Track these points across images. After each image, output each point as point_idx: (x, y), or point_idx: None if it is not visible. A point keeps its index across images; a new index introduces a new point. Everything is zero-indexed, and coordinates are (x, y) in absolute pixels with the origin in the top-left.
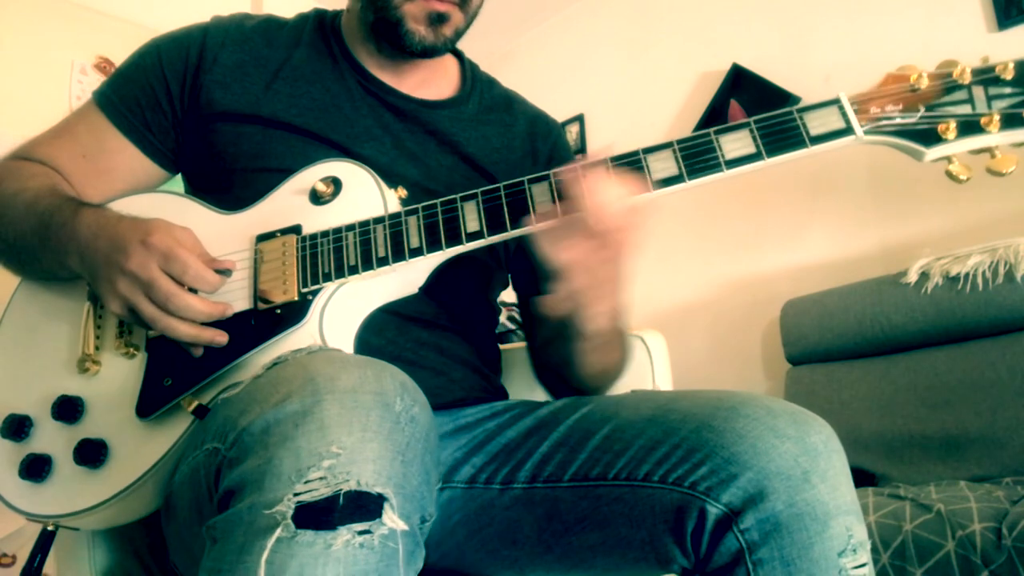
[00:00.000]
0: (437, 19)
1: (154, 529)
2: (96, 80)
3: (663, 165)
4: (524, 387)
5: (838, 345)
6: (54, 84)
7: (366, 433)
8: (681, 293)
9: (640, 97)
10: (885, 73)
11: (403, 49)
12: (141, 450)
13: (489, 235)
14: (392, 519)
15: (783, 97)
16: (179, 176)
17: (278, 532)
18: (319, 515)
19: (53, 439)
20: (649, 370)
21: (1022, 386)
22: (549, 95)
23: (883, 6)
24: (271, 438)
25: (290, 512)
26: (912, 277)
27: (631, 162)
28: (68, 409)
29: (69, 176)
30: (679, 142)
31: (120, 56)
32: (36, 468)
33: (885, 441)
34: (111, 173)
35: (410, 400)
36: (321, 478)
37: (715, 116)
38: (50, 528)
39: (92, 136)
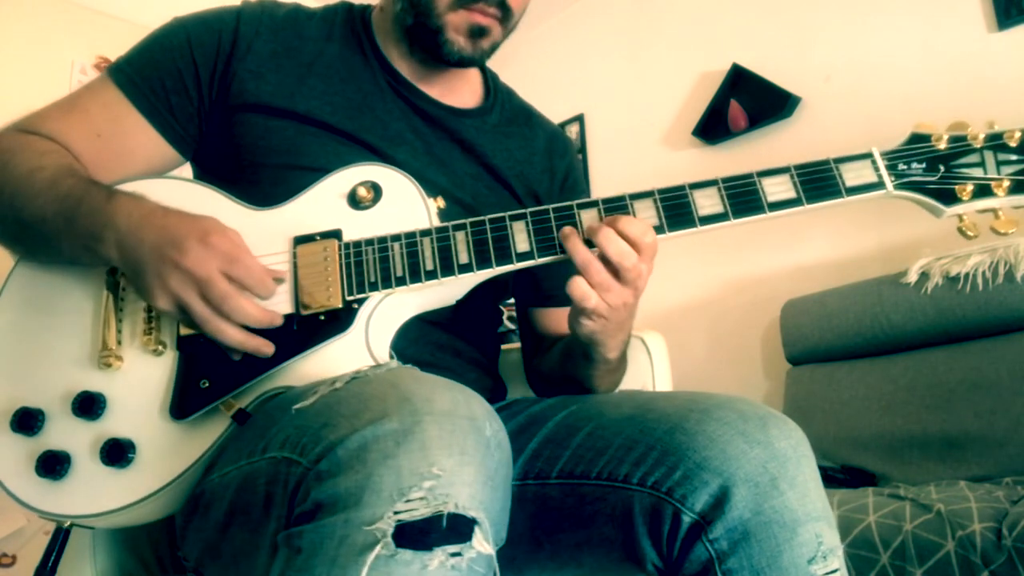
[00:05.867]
0: (478, 32)
1: (155, 527)
2: None
3: (709, 203)
4: (521, 385)
5: (838, 345)
6: (54, 84)
7: (464, 456)
8: (681, 293)
9: (640, 97)
10: (909, 131)
11: (439, 57)
12: (173, 452)
13: (540, 256)
14: (481, 543)
15: (783, 97)
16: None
17: (378, 549)
18: (418, 535)
19: (72, 436)
20: (649, 370)
21: (1022, 386)
22: (549, 95)
23: (883, 6)
24: (370, 455)
25: (390, 530)
26: (912, 277)
27: (678, 196)
28: (89, 405)
29: (80, 155)
30: (724, 180)
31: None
32: (53, 465)
33: (885, 441)
34: (126, 156)
35: (496, 426)
36: (422, 498)
37: (715, 116)
38: (66, 526)
39: (108, 115)
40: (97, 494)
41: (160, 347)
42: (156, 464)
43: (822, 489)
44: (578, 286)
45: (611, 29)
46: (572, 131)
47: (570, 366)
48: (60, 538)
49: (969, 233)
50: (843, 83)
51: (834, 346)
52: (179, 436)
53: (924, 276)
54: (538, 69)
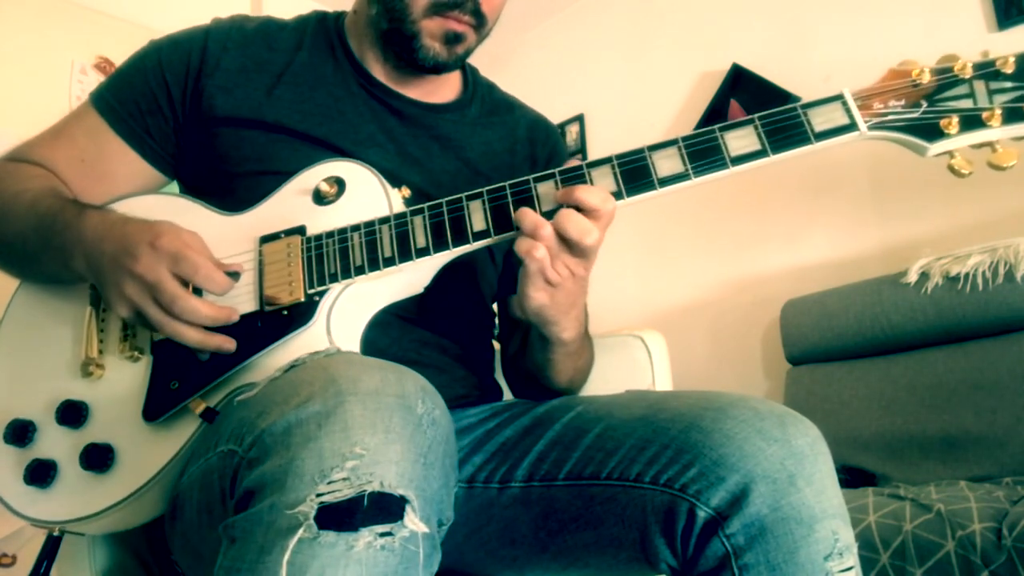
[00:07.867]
0: (454, 38)
1: (154, 529)
2: (96, 80)
3: (668, 163)
4: None
5: (838, 345)
6: (54, 84)
7: (389, 435)
8: (681, 293)
9: (640, 97)
10: (887, 68)
11: (413, 63)
12: (148, 454)
13: (496, 234)
14: (413, 522)
15: (783, 97)
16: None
17: (300, 533)
18: (342, 516)
19: (58, 444)
20: (649, 370)
21: (1022, 386)
22: (549, 95)
23: (883, 6)
24: (293, 438)
25: (313, 512)
26: (912, 277)
27: (636, 160)
28: (72, 414)
29: (67, 180)
30: (684, 139)
31: (120, 56)
32: (41, 473)
33: (885, 441)
34: (110, 178)
35: (431, 403)
36: (344, 479)
37: (715, 116)
38: (56, 533)
39: (90, 140)
40: (79, 499)
41: (136, 353)
42: (133, 467)
43: (838, 487)
44: (524, 239)
45: (611, 29)
46: (572, 131)
47: (530, 353)
48: (51, 545)
49: (963, 171)
50: (843, 83)
51: (834, 346)
52: (154, 438)
53: (924, 276)
54: (538, 69)
